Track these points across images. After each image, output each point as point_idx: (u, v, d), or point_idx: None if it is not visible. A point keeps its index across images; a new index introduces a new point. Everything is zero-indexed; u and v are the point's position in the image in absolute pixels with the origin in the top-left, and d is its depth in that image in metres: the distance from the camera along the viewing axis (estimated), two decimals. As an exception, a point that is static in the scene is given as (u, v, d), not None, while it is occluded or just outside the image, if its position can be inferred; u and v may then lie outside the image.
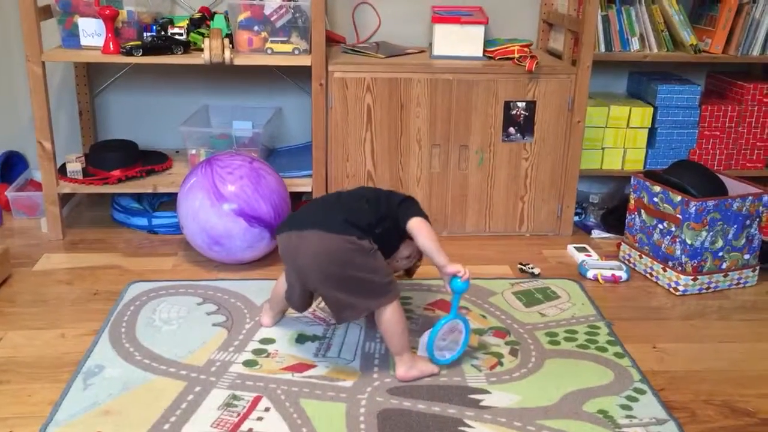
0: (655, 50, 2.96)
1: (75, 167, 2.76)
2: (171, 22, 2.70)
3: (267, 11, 2.64)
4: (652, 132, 3.02)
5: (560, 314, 2.31)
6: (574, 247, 2.77)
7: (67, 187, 2.74)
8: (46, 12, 2.61)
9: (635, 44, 2.94)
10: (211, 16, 2.79)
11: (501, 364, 2.02)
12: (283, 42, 2.66)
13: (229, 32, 2.69)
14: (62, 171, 2.78)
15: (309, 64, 2.64)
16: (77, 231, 2.84)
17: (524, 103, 2.76)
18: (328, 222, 1.89)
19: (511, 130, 2.78)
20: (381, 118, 2.73)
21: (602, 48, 2.91)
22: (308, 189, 2.79)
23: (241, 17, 2.66)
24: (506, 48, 2.83)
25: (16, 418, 1.75)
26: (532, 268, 2.60)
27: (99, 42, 2.60)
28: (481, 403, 1.84)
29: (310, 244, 1.87)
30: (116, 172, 2.76)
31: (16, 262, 2.53)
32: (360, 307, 1.90)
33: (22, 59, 2.59)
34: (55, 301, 2.32)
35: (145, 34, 2.64)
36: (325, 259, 1.85)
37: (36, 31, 2.52)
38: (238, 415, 1.76)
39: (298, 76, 3.10)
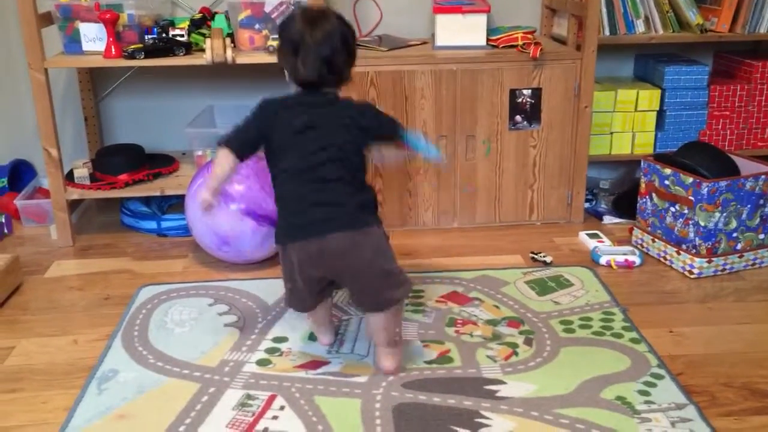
0: (661, 32, 2.92)
1: (82, 173, 2.76)
2: (172, 24, 2.69)
3: (267, 9, 2.62)
4: (660, 114, 2.99)
5: (574, 302, 2.29)
6: (586, 234, 2.74)
7: (75, 193, 2.74)
8: (46, 19, 2.61)
9: (640, 26, 2.90)
10: (212, 16, 2.78)
11: (516, 354, 2.00)
12: (284, 39, 2.65)
13: (231, 32, 2.68)
14: (70, 177, 2.78)
15: (311, 60, 2.62)
16: (87, 237, 2.84)
17: (530, 91, 2.73)
18: (350, 218, 1.77)
19: (518, 118, 2.76)
20: (386, 111, 2.70)
21: (607, 31, 2.88)
22: (316, 186, 2.78)
23: (242, 16, 2.64)
24: (509, 36, 2.81)
25: (32, 425, 1.75)
26: (544, 257, 2.58)
27: (101, 47, 2.60)
28: (497, 394, 1.82)
29: (356, 249, 1.76)
30: (123, 177, 2.76)
31: (27, 270, 2.54)
32: (395, 298, 1.83)
33: (25, 67, 2.59)
34: (67, 307, 2.32)
35: (146, 37, 2.63)
36: (372, 257, 1.78)
37: (37, 38, 2.52)
38: (253, 414, 1.76)
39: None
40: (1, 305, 2.30)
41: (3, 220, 2.85)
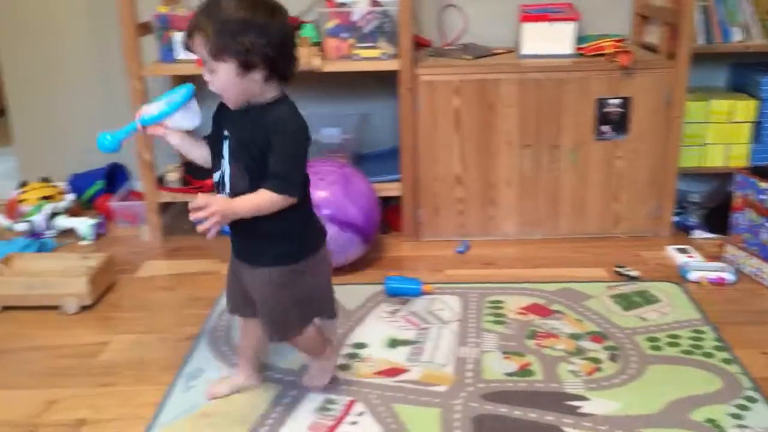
0: (759, 40, 2.81)
1: (173, 177, 2.86)
2: (261, 33, 2.75)
3: (355, 17, 2.66)
4: (756, 126, 2.86)
5: (661, 318, 2.21)
6: (675, 249, 2.65)
7: (166, 196, 2.84)
8: (145, 28, 2.72)
9: (737, 34, 2.79)
10: (300, 25, 2.83)
11: (600, 369, 1.96)
12: (370, 47, 2.68)
13: (318, 40, 2.73)
14: (161, 181, 2.89)
15: (397, 68, 2.64)
16: (176, 238, 2.94)
17: (618, 100, 2.67)
18: None
19: (605, 128, 2.70)
20: (469, 120, 2.70)
21: (701, 40, 2.78)
22: (398, 193, 2.79)
23: (330, 25, 2.69)
24: (598, 44, 2.75)
25: (122, 419, 1.82)
26: (629, 271, 2.51)
27: (193, 55, 2.67)
28: (580, 410, 1.78)
29: None
30: (211, 180, 2.83)
31: (120, 269, 2.64)
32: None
33: (123, 74, 2.70)
34: (157, 306, 2.40)
35: (237, 46, 2.70)
36: None
37: (136, 47, 2.63)
38: (334, 418, 1.78)
39: (385, 80, 3.11)
40: (96, 302, 2.41)
41: (101, 221, 2.98)
